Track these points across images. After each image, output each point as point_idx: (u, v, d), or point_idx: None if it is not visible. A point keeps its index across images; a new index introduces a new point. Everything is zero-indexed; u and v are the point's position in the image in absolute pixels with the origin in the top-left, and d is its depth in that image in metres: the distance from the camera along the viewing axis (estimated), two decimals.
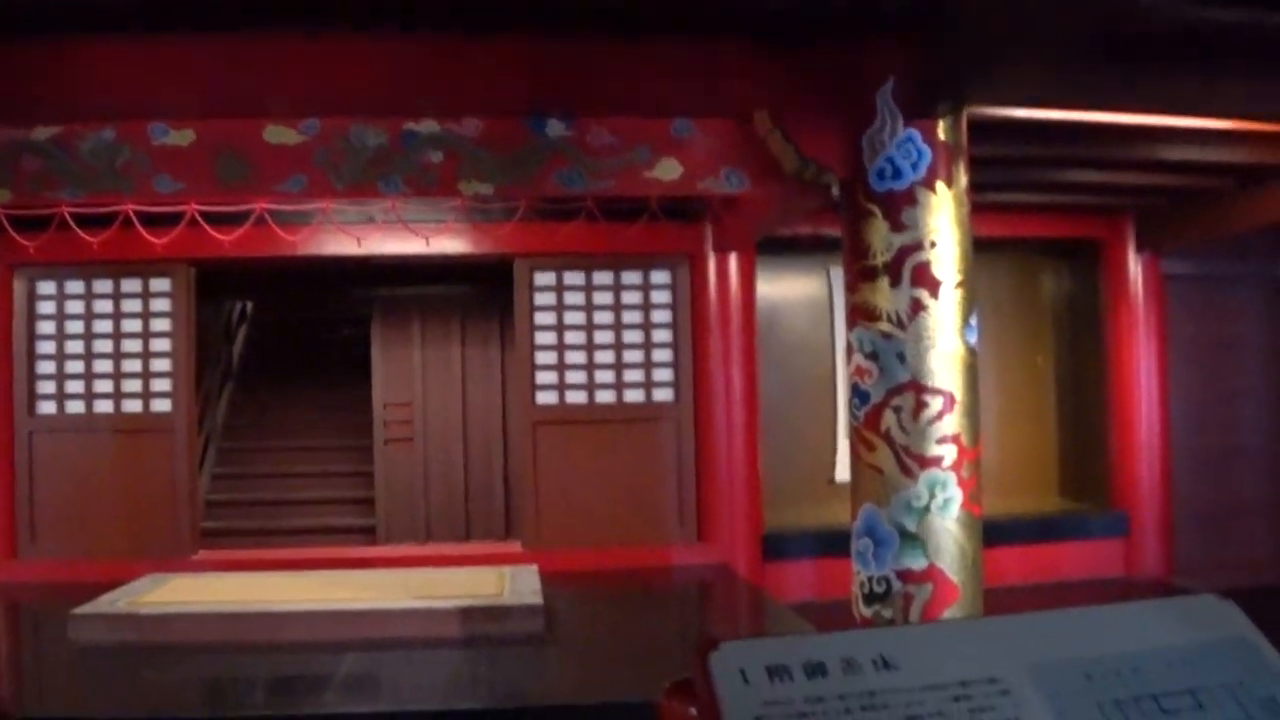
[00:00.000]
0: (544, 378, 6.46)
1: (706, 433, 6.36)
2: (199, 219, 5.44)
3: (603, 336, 6.49)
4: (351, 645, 4.46)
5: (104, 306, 6.44)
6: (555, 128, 3.82)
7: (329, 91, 3.73)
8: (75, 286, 6.42)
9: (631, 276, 6.50)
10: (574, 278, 6.49)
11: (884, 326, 3.67)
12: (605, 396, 6.48)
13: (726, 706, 1.22)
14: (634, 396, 6.49)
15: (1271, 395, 7.44)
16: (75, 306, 6.43)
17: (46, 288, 6.40)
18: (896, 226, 3.66)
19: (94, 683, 4.24)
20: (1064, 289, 7.77)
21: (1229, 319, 7.42)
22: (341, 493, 8.97)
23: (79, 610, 4.65)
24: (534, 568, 5.48)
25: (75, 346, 6.41)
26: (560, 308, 6.49)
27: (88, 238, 5.53)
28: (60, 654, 4.62)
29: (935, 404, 3.66)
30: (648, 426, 6.45)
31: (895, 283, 3.66)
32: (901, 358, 3.68)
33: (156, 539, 6.23)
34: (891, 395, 3.68)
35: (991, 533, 6.52)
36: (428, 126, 3.83)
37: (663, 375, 6.49)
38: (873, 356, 3.71)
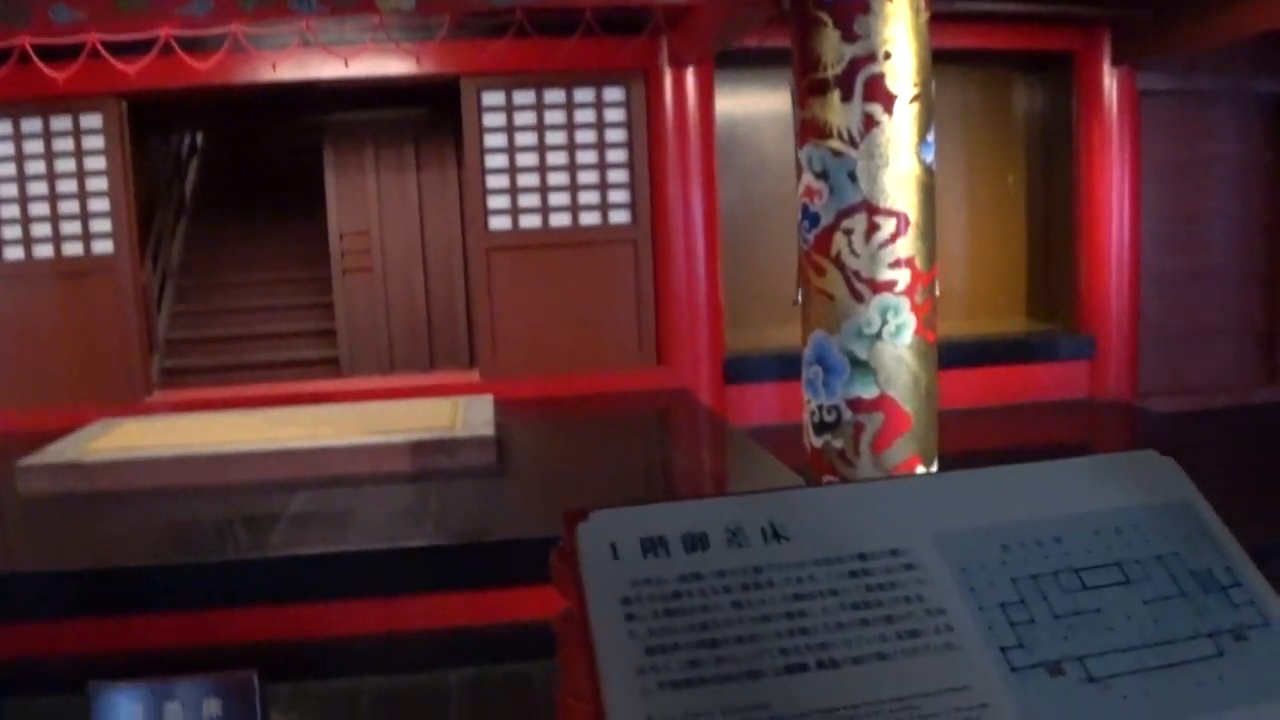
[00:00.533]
0: (496, 202, 6.26)
1: (665, 255, 6.20)
2: (117, 49, 5.12)
3: (556, 158, 6.26)
4: (302, 484, 4.41)
5: (35, 147, 6.15)
6: None
7: None
8: (3, 127, 6.11)
9: (584, 94, 6.22)
10: (524, 97, 6.21)
11: (835, 144, 3.47)
12: (560, 220, 6.30)
13: (590, 587, 1.11)
14: (590, 219, 6.30)
15: (1244, 215, 7.25)
16: (4, 149, 6.13)
17: None
18: (848, 36, 3.41)
19: (40, 534, 4.18)
20: (1036, 105, 7.49)
21: (1204, 137, 7.15)
22: (303, 325, 8.82)
23: (25, 461, 4.56)
24: (489, 398, 5.40)
25: (8, 190, 6.15)
26: (511, 129, 6.23)
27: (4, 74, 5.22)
28: (7, 506, 4.55)
29: (888, 226, 3.49)
30: (605, 250, 6.29)
31: (847, 97, 3.44)
32: (853, 177, 3.48)
33: (108, 383, 6.12)
34: (842, 217, 3.50)
35: (956, 354, 6.49)
36: None
37: (619, 197, 6.29)
38: (823, 176, 3.52)
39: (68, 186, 6.15)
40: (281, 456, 4.58)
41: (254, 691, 3.25)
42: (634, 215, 6.27)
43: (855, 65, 3.41)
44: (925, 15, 3.49)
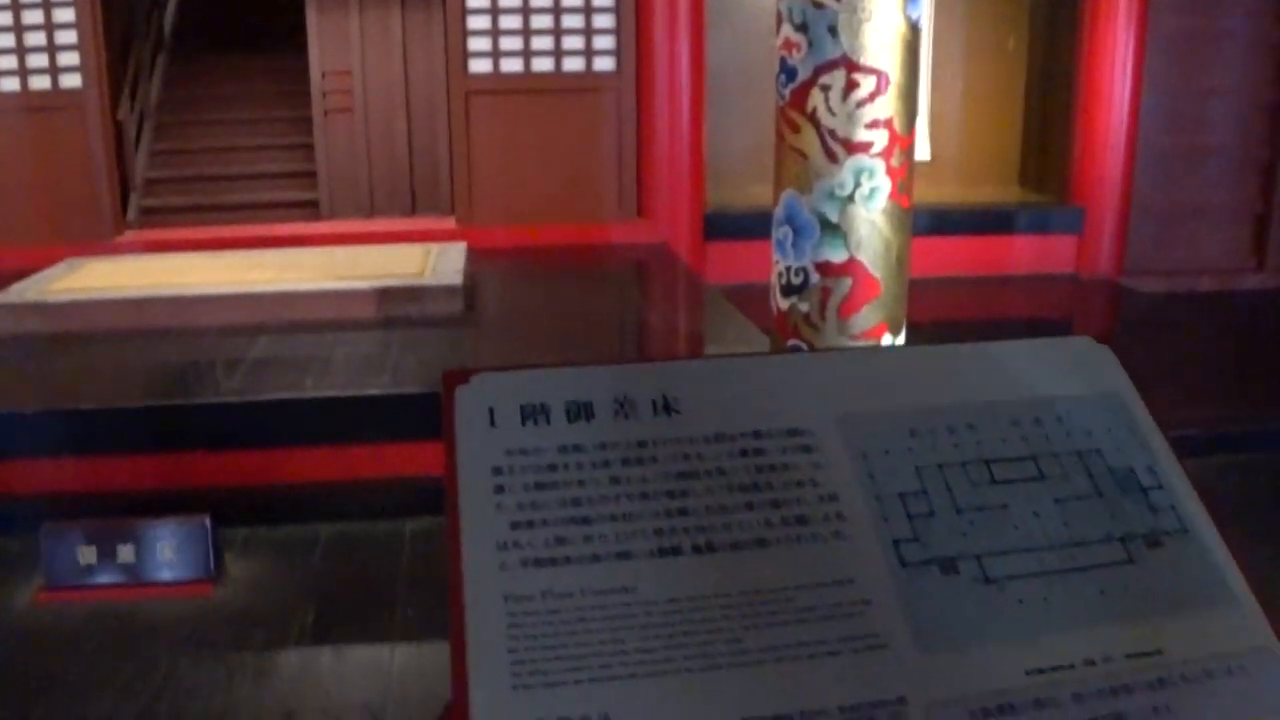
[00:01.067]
0: (477, 44, 6.04)
1: (648, 105, 6.01)
2: None
3: None
4: (266, 328, 4.34)
5: None
6: None
7: None
8: None
9: None
10: None
11: None
12: (543, 65, 6.08)
13: (462, 454, 1.03)
14: (573, 65, 6.08)
15: (1249, 96, 6.94)
16: None
17: None
18: None
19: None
20: None
21: (1214, 11, 6.83)
22: (283, 166, 8.61)
23: None
24: (461, 245, 5.30)
25: None
26: None
27: None
28: None
29: (867, 84, 3.32)
30: (587, 97, 6.09)
31: None
32: (833, 31, 3.29)
33: (77, 222, 5.99)
34: (820, 72, 3.32)
35: (942, 221, 6.36)
36: None
37: (604, 43, 6.06)
38: (802, 28, 3.33)
39: (34, 17, 5.90)
40: (246, 300, 4.50)
41: (207, 535, 3.25)
42: (619, 62, 6.05)
43: None
44: None
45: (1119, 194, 6.65)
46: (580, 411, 1.05)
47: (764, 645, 0.89)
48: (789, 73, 3.42)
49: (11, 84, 5.96)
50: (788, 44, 3.42)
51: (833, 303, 3.50)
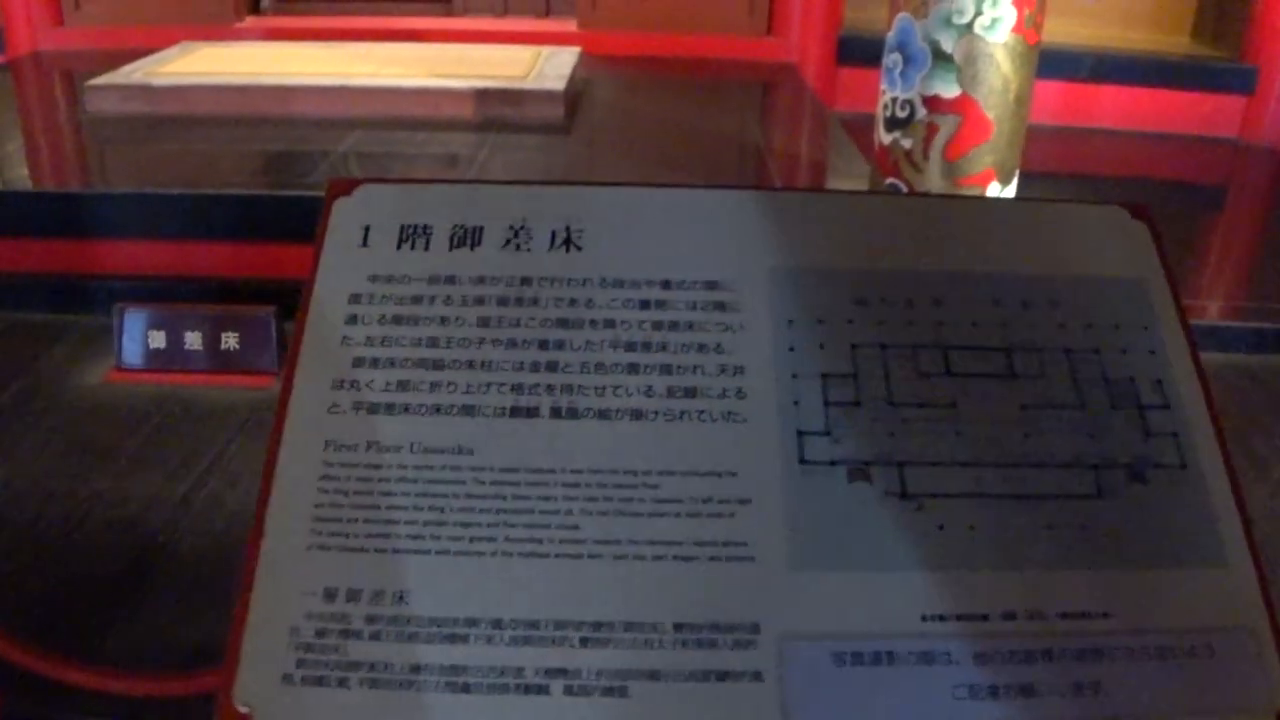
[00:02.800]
0: None
1: None
2: None
3: None
4: (360, 122, 4.25)
5: None
6: None
7: None
8: None
9: None
10: None
11: None
12: None
13: (322, 275, 0.89)
14: None
15: None
16: None
17: None
18: None
19: (96, 154, 4.15)
20: None
21: None
22: None
23: (93, 81, 4.48)
24: (574, 51, 5.07)
25: None
26: None
27: None
28: (71, 124, 4.50)
29: None
30: None
31: None
32: None
33: (199, 4, 5.94)
34: None
35: (1096, 67, 5.79)
36: None
37: None
38: None
39: None
40: (344, 93, 4.40)
41: (271, 327, 3.24)
42: None
43: None
44: None
45: None
46: (467, 237, 0.88)
47: (604, 537, 0.73)
48: None
49: None
50: None
51: (938, 141, 3.21)
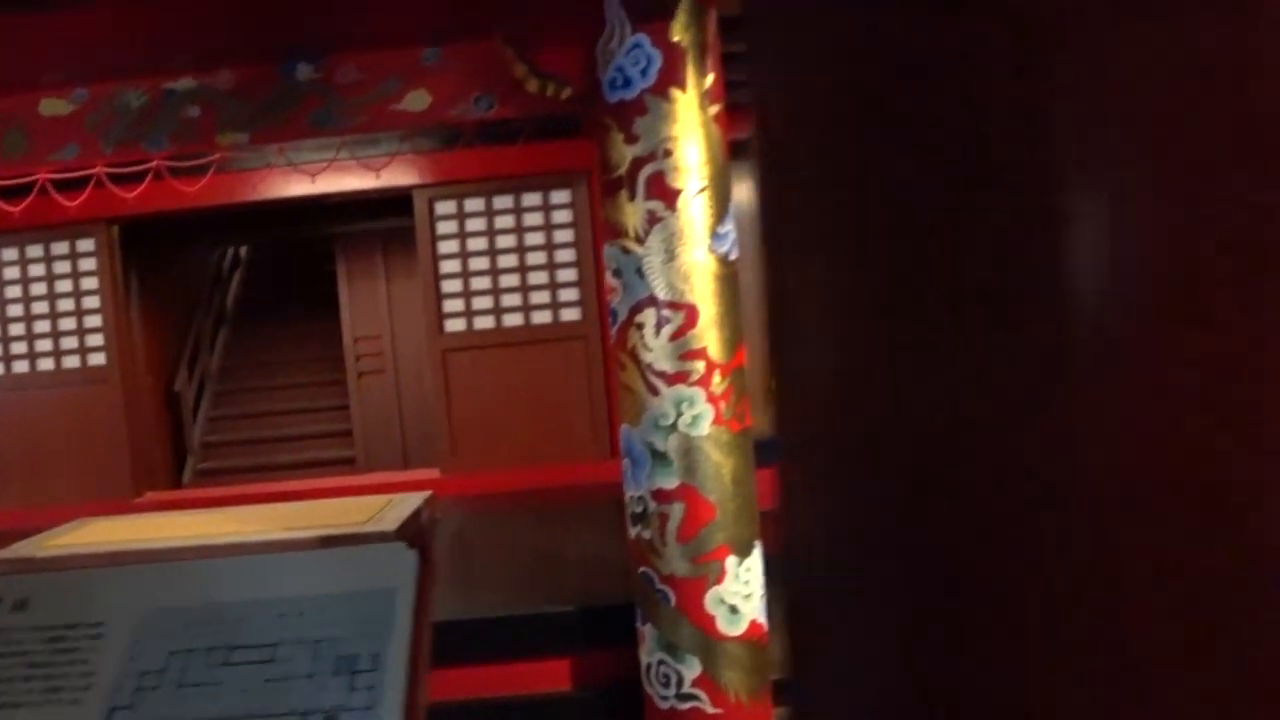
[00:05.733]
0: (451, 305, 6.57)
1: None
2: (104, 180, 5.75)
3: (507, 260, 6.56)
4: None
5: (38, 270, 6.76)
6: (304, 71, 3.86)
7: (95, 59, 3.84)
8: (10, 254, 6.75)
9: (532, 198, 6.52)
10: (475, 204, 6.54)
11: (626, 242, 3.66)
12: (513, 320, 6.56)
13: None
14: (541, 318, 6.55)
15: None
16: (12, 272, 6.77)
17: None
18: (629, 138, 3.62)
19: None
20: None
21: None
22: (323, 427, 9.26)
23: None
24: (424, 494, 5.63)
25: (15, 310, 6.76)
26: (463, 235, 6.56)
27: (9, 208, 5.92)
28: None
29: (677, 319, 3.65)
30: (557, 346, 6.52)
31: (633, 196, 3.64)
32: (640, 273, 3.66)
33: (102, 483, 6.59)
34: (634, 312, 3.68)
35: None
36: (185, 84, 3.90)
37: (569, 295, 6.54)
38: (617, 274, 3.71)
39: (67, 305, 6.73)
40: (200, 551, 4.89)
41: None
42: (583, 312, 6.50)
43: (636, 165, 3.59)
44: (716, 109, 3.64)
45: None
46: None
47: None
48: (613, 315, 3.77)
49: (47, 363, 6.74)
50: (609, 289, 3.79)
51: (670, 527, 3.69)
